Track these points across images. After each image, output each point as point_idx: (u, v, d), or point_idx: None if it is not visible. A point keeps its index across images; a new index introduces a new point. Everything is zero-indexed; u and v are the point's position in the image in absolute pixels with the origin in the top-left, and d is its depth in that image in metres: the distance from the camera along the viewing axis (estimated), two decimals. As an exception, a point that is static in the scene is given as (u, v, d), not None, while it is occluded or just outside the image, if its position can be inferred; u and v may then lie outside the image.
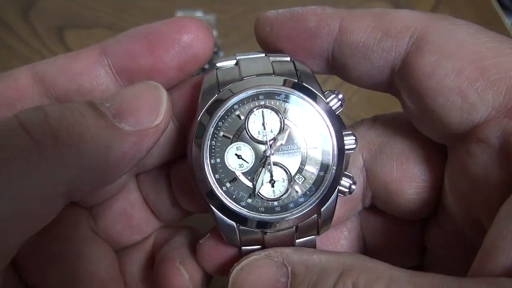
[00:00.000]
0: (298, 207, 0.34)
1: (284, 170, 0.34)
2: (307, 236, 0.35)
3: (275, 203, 0.34)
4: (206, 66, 0.38)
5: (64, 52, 0.36)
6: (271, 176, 0.34)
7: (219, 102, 0.34)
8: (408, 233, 0.39)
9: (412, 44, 0.32)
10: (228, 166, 0.34)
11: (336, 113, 0.35)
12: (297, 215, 0.34)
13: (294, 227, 0.34)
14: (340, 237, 0.40)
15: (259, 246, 0.35)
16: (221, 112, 0.34)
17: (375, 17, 0.33)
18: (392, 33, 0.32)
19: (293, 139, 0.34)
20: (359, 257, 0.30)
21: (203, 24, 0.35)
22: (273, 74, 0.35)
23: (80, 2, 0.99)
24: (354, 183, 0.35)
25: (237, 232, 0.34)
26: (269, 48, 0.36)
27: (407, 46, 0.32)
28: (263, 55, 0.36)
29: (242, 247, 0.35)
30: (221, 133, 0.34)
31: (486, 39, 0.30)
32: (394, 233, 0.39)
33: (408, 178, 0.36)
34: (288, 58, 0.36)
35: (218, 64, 0.36)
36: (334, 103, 0.35)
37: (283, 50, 0.36)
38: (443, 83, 0.30)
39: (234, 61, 0.36)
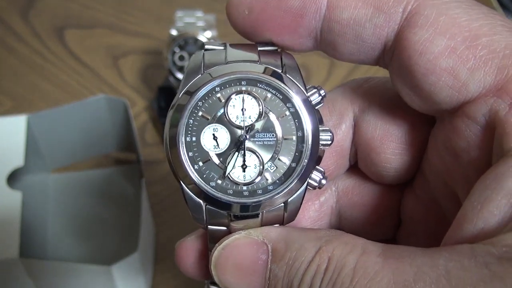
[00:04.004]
0: (266, 195, 0.35)
1: (257, 156, 0.35)
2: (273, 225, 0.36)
3: (244, 187, 0.35)
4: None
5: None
6: (244, 161, 0.35)
7: (201, 83, 0.35)
8: (385, 204, 0.39)
9: (405, 19, 0.31)
10: (203, 146, 0.35)
11: (316, 107, 0.35)
12: (263, 202, 0.34)
13: (260, 214, 0.35)
14: (310, 209, 0.40)
15: (225, 228, 0.35)
16: (202, 92, 0.35)
17: None
18: (384, 8, 0.31)
19: (270, 127, 0.35)
20: (335, 232, 0.31)
21: None
22: (258, 62, 0.36)
23: (80, 2, 1.00)
24: (325, 178, 0.35)
25: (204, 211, 0.35)
26: (247, 33, 0.36)
27: (401, 20, 0.31)
28: (253, 43, 0.37)
29: (209, 227, 0.36)
30: (200, 113, 0.35)
31: (479, 15, 0.30)
32: (371, 203, 0.40)
33: (388, 137, 0.36)
34: (277, 48, 0.36)
35: (207, 46, 0.37)
36: (315, 97, 0.35)
37: (265, 32, 0.35)
38: (435, 61, 0.30)
39: (223, 46, 0.37)
